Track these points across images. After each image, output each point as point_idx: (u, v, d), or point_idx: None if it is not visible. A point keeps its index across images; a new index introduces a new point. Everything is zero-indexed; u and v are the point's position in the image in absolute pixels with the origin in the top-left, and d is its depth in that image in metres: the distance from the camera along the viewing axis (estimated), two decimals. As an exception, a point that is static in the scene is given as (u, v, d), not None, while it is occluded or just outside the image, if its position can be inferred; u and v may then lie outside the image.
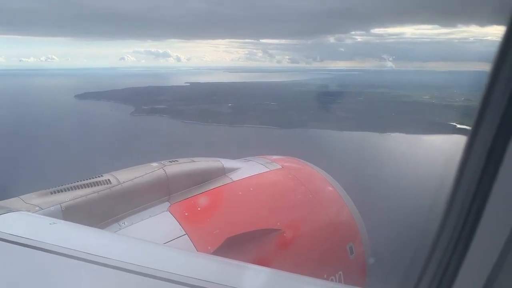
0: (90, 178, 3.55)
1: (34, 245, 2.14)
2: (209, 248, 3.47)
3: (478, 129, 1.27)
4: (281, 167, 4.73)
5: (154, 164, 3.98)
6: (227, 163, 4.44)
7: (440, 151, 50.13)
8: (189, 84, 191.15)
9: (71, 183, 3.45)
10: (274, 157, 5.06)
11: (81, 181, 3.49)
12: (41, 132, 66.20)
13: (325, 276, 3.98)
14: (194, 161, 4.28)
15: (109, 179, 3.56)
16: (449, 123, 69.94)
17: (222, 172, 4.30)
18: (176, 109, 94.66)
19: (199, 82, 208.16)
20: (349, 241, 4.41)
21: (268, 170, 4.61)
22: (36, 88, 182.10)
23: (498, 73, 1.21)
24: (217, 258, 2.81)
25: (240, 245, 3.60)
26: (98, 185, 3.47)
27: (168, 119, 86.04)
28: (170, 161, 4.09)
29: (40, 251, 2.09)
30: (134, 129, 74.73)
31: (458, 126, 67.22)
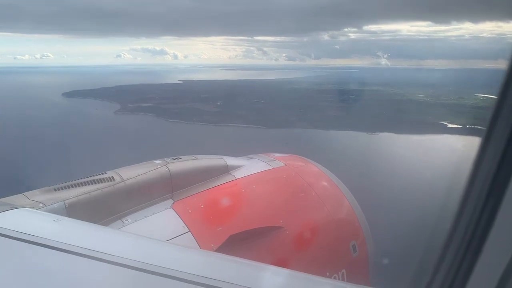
0: (93, 175, 3.51)
1: (37, 241, 2.14)
2: (212, 245, 3.44)
3: (492, 128, 1.24)
4: (284, 165, 4.69)
5: (157, 161, 3.95)
6: (230, 160, 4.40)
7: (430, 151, 48.58)
8: (182, 81, 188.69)
9: (75, 180, 3.40)
10: (277, 155, 5.02)
11: (84, 178, 3.45)
12: (21, 130, 64.79)
13: (328, 274, 3.93)
14: (197, 159, 4.22)
15: (112, 177, 3.52)
16: (440, 122, 68.44)
17: (225, 169, 4.26)
18: (162, 107, 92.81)
19: (193, 80, 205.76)
20: (352, 239, 4.36)
21: (271, 168, 4.57)
22: (26, 86, 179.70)
23: None
24: (220, 256, 2.81)
25: (243, 242, 3.57)
26: (101, 182, 3.44)
27: (152, 118, 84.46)
28: (173, 159, 4.06)
29: (43, 248, 2.10)
30: (115, 127, 72.87)
31: (449, 125, 66.02)
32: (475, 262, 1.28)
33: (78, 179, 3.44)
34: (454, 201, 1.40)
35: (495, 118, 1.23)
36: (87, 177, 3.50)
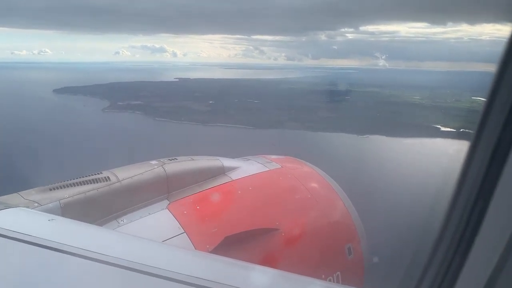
0: (89, 175, 3.51)
1: (32, 241, 2.15)
2: (208, 246, 3.44)
3: (482, 130, 1.26)
4: (280, 166, 4.70)
5: (154, 162, 3.94)
6: (226, 162, 4.40)
7: (418, 155, 47.35)
8: (178, 79, 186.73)
9: (70, 179, 3.39)
10: (274, 156, 5.05)
11: (80, 178, 3.44)
12: (7, 126, 63.31)
13: (323, 276, 3.92)
14: (193, 160, 4.21)
15: (108, 177, 3.52)
16: (433, 125, 67.17)
17: (222, 171, 4.25)
18: (152, 105, 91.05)
19: (189, 78, 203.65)
20: (348, 241, 4.35)
21: (268, 169, 4.56)
22: (19, 82, 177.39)
23: (504, 73, 1.19)
24: (215, 257, 2.81)
25: (239, 244, 3.57)
26: (97, 182, 3.44)
27: (139, 116, 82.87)
28: (169, 159, 4.05)
29: (38, 247, 2.10)
30: (99, 125, 71.47)
31: (442, 129, 64.71)
32: (464, 263, 1.30)
33: (73, 179, 3.39)
34: (444, 203, 1.41)
35: (483, 121, 1.24)
36: (83, 177, 3.46)
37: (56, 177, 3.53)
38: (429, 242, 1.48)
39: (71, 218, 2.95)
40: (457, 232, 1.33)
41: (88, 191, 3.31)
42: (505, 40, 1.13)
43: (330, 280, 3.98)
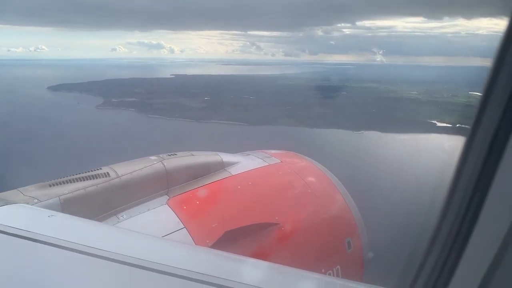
0: (88, 171, 3.53)
1: (32, 237, 2.16)
2: (208, 241, 3.45)
3: (478, 125, 1.25)
4: (280, 161, 4.69)
5: (153, 157, 3.95)
6: (226, 157, 4.39)
7: (413, 151, 46.96)
8: (174, 76, 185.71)
9: (70, 175, 3.41)
10: (273, 151, 5.02)
11: (79, 174, 3.46)
12: (3, 123, 62.62)
13: (323, 270, 3.94)
14: (193, 155, 4.22)
15: (108, 172, 3.54)
16: (429, 121, 66.73)
17: (221, 166, 4.26)
18: (146, 102, 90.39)
19: (185, 75, 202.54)
20: (347, 235, 4.37)
21: (267, 164, 4.57)
22: (14, 79, 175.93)
23: (500, 68, 1.18)
24: (215, 252, 2.83)
25: (239, 239, 3.57)
26: (97, 178, 3.45)
27: (132, 113, 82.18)
28: (169, 155, 4.05)
29: (38, 244, 2.12)
30: (92, 122, 70.75)
31: (438, 124, 64.28)
32: (459, 259, 1.30)
33: (73, 175, 3.39)
34: (440, 199, 1.41)
35: (480, 116, 1.23)
36: (82, 172, 3.46)
37: (51, 174, 3.49)
38: (425, 239, 1.47)
39: (71, 214, 2.94)
40: (452, 229, 1.32)
41: (88, 187, 3.31)
42: (501, 34, 1.13)
43: (330, 274, 3.99)
